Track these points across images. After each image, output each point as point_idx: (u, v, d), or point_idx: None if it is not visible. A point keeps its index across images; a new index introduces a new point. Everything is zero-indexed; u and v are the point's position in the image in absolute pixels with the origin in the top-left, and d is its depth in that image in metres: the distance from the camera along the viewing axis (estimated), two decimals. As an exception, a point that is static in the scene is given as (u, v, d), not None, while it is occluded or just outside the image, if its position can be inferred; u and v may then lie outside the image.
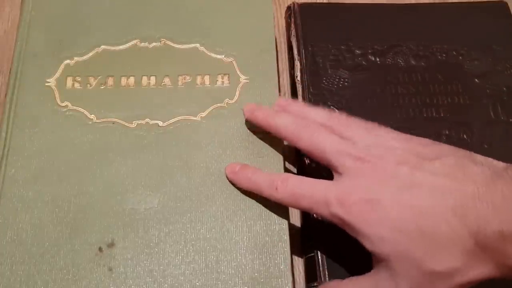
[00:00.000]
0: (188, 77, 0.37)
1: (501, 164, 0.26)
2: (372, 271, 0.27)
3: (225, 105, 0.36)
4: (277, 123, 0.32)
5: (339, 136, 0.29)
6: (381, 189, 0.26)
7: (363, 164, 0.27)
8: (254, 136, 0.35)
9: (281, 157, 0.34)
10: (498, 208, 0.24)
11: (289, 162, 0.37)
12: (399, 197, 0.26)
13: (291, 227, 0.34)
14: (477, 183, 0.25)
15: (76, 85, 0.36)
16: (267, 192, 0.30)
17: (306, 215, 0.34)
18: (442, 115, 0.37)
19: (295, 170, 0.37)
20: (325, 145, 0.29)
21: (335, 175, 0.29)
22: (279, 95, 0.38)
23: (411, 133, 0.36)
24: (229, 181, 0.33)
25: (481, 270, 0.24)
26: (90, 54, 0.37)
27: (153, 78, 0.37)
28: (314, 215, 0.33)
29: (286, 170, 0.36)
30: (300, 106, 0.33)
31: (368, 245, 0.26)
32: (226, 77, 0.37)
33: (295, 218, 0.35)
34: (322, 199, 0.28)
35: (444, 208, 0.25)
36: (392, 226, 0.26)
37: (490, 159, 0.27)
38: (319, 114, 0.31)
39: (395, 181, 0.26)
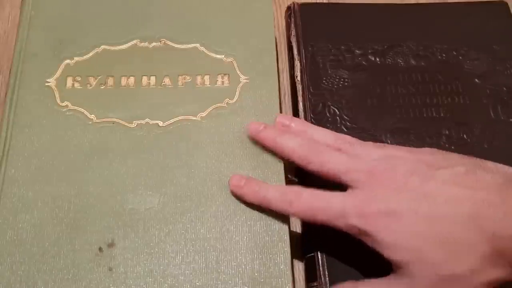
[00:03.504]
0: (188, 77, 0.37)
1: (511, 171, 0.26)
2: (390, 275, 0.28)
3: (225, 105, 0.36)
4: (284, 146, 0.32)
5: (347, 155, 0.30)
6: (397, 200, 0.27)
7: (375, 176, 0.28)
8: (254, 136, 0.35)
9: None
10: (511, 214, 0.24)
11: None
12: (415, 207, 0.26)
13: (291, 227, 0.34)
14: (489, 191, 0.25)
15: (76, 85, 0.36)
16: (279, 206, 0.30)
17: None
18: (442, 115, 0.37)
19: (295, 171, 0.37)
20: (336, 166, 0.29)
21: (348, 189, 0.29)
22: (279, 95, 0.38)
23: (411, 133, 0.36)
24: (233, 194, 0.32)
25: (499, 272, 0.25)
26: (90, 54, 0.37)
27: (153, 78, 0.37)
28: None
29: (286, 170, 0.36)
30: (303, 126, 0.33)
31: (387, 253, 0.27)
32: (226, 77, 0.37)
33: (295, 218, 0.35)
34: (339, 211, 0.28)
35: (461, 216, 0.25)
36: (411, 235, 0.26)
37: (500, 166, 0.27)
38: (324, 135, 0.32)
39: (409, 192, 0.27)
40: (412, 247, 0.26)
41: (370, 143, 0.31)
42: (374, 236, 0.27)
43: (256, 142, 0.34)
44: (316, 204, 0.29)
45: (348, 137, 0.32)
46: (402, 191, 0.27)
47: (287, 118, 0.34)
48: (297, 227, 0.35)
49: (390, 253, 0.27)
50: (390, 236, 0.26)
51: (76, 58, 0.37)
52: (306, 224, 0.34)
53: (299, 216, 0.30)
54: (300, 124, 0.33)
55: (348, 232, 0.28)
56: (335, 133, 0.33)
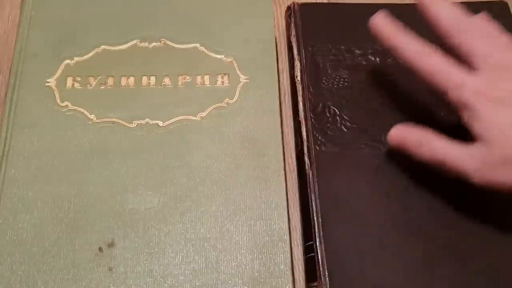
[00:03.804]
0: (188, 77, 0.37)
1: None
2: (470, 143, 0.30)
3: (225, 105, 0.36)
4: (438, 12, 0.32)
5: (490, 42, 0.31)
6: None
7: (503, 69, 0.30)
8: (254, 136, 0.35)
9: (281, 157, 0.34)
10: None
11: (289, 162, 0.37)
12: None
13: (291, 227, 0.34)
14: None
15: (76, 85, 0.36)
16: (409, 55, 0.32)
17: (306, 214, 0.34)
18: (442, 115, 0.37)
19: (295, 171, 0.37)
20: (475, 48, 0.31)
21: (476, 70, 0.30)
22: (279, 95, 0.38)
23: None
24: (372, 30, 0.34)
25: None
26: (90, 54, 0.37)
27: (153, 78, 0.37)
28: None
29: (286, 170, 0.36)
30: (455, 6, 0.33)
31: (482, 130, 0.29)
32: (226, 77, 0.37)
33: (295, 218, 0.35)
34: (459, 82, 0.30)
35: None
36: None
37: None
38: (471, 20, 0.32)
39: None
40: (509, 131, 0.28)
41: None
42: (479, 113, 0.29)
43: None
44: (442, 68, 0.31)
45: (494, 29, 0.32)
46: None
47: None
48: (297, 227, 0.35)
49: (485, 131, 0.29)
50: (495, 118, 0.29)
51: (76, 58, 0.37)
52: (307, 224, 0.34)
53: (420, 70, 0.31)
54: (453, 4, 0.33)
55: (452, 102, 0.30)
56: (484, 20, 0.33)
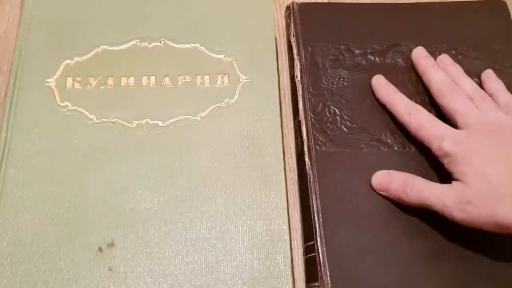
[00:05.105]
0: (188, 77, 0.37)
1: None
2: (449, 184, 0.31)
3: (225, 105, 0.36)
4: (432, 78, 0.37)
5: (475, 106, 0.34)
6: (492, 149, 0.31)
7: (484, 130, 0.32)
8: (254, 136, 0.35)
9: (281, 157, 0.34)
10: None
11: (289, 162, 0.37)
12: (506, 162, 0.30)
13: (291, 227, 0.34)
14: None
15: (76, 85, 0.36)
16: (399, 112, 0.36)
17: (306, 214, 0.34)
18: (442, 115, 0.37)
19: (295, 171, 0.37)
20: (458, 107, 0.34)
21: (458, 128, 0.33)
22: (279, 95, 0.38)
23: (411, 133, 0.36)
24: (373, 90, 0.38)
25: None
26: (90, 54, 0.37)
27: (153, 78, 0.37)
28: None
29: (286, 170, 0.36)
30: (456, 71, 0.38)
31: (460, 169, 0.31)
32: (226, 77, 0.37)
33: (295, 218, 0.35)
34: (439, 134, 0.33)
35: None
36: (488, 165, 0.30)
37: None
38: (467, 85, 0.36)
39: (505, 151, 0.31)
40: (484, 171, 0.30)
41: (498, 107, 0.35)
42: (458, 161, 0.31)
43: (413, 64, 0.39)
44: (426, 123, 0.34)
45: (486, 97, 0.35)
46: (499, 149, 0.31)
47: (447, 58, 0.39)
48: (297, 227, 0.35)
49: (463, 169, 0.31)
50: (472, 161, 0.31)
51: (76, 58, 0.37)
52: (306, 224, 0.34)
53: (408, 126, 0.35)
54: (454, 69, 0.38)
55: (435, 153, 0.33)
56: (478, 89, 0.36)
